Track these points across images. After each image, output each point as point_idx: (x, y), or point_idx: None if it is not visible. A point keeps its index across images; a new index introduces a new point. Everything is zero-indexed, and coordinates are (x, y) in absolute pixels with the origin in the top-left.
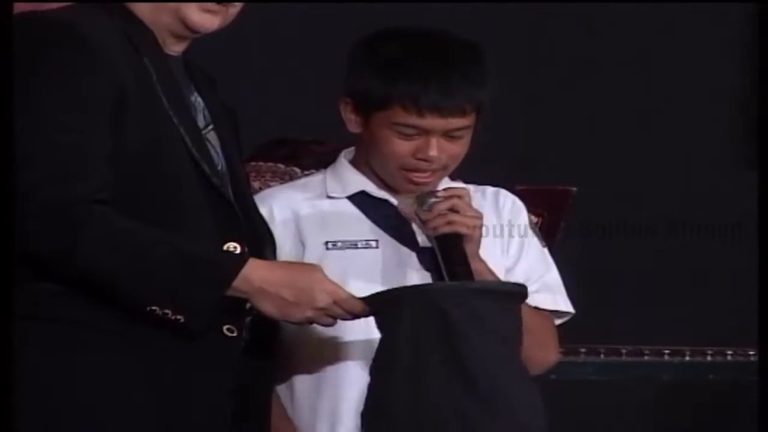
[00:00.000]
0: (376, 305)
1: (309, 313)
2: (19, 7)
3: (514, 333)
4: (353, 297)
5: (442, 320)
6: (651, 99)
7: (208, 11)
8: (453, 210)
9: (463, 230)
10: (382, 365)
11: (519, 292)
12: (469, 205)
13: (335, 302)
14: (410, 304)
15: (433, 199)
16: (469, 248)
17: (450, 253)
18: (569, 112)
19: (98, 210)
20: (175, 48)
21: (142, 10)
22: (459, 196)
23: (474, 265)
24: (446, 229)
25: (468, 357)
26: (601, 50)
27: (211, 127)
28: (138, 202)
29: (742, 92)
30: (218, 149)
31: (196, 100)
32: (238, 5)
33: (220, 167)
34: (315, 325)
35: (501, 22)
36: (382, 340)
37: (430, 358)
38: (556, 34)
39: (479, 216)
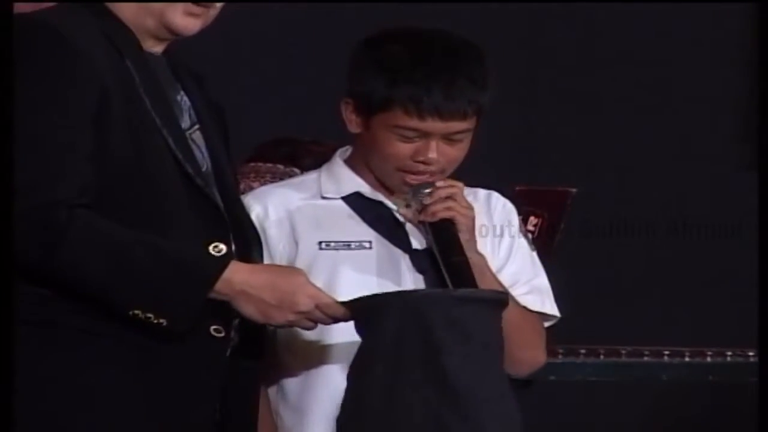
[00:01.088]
0: (358, 311)
1: (290, 317)
2: (19, 8)
3: (495, 341)
4: (335, 302)
5: (422, 327)
6: (651, 99)
7: (191, 14)
8: (450, 198)
9: (459, 218)
10: (360, 371)
11: (500, 299)
12: (463, 197)
13: (317, 307)
14: (391, 311)
15: (429, 189)
16: (463, 238)
17: (446, 243)
18: (569, 112)
19: (79, 214)
20: (156, 48)
21: (125, 13)
22: (456, 186)
23: (473, 259)
24: (445, 214)
25: (446, 365)
26: (601, 50)
27: (196, 126)
28: (122, 204)
29: (742, 93)
30: (203, 149)
31: (182, 99)
32: (218, 6)
33: (204, 168)
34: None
35: (501, 22)
36: (361, 346)
37: (409, 366)
38: (556, 35)
39: (472, 207)
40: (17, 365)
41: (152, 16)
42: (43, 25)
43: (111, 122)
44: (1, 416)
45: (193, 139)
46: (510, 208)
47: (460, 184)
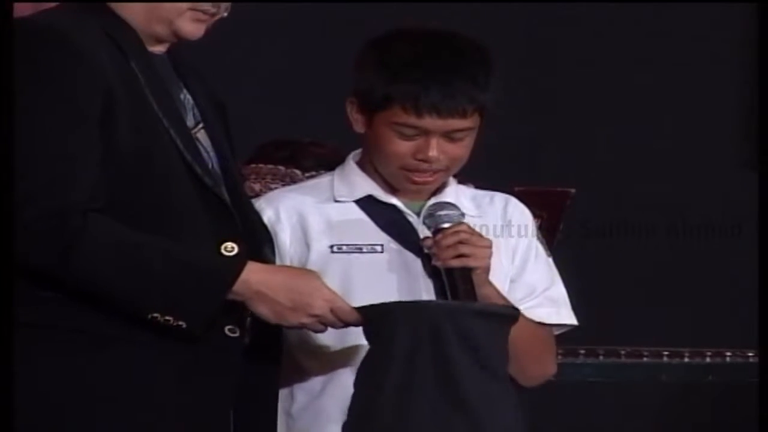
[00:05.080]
0: (371, 317)
1: (304, 319)
2: (19, 8)
3: (503, 354)
4: (349, 307)
5: (435, 338)
6: (651, 99)
7: (199, 20)
8: (461, 242)
9: (472, 263)
10: (369, 378)
11: (511, 314)
12: (477, 234)
13: (331, 310)
14: (404, 320)
15: (445, 214)
16: (477, 277)
17: (458, 290)
18: (569, 113)
19: (92, 218)
20: (159, 48)
21: (134, 18)
22: (464, 230)
23: (484, 291)
24: (455, 263)
25: (458, 376)
26: (601, 51)
27: (201, 125)
28: (132, 206)
29: (743, 93)
30: (209, 148)
31: (186, 98)
32: (222, 12)
33: (211, 166)
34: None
35: (501, 23)
36: (370, 352)
37: (420, 375)
38: (556, 35)
39: (489, 245)
40: (25, 368)
41: (162, 23)
42: (46, 28)
43: (117, 124)
44: (4, 420)
45: (198, 138)
46: (527, 214)
47: (465, 225)
